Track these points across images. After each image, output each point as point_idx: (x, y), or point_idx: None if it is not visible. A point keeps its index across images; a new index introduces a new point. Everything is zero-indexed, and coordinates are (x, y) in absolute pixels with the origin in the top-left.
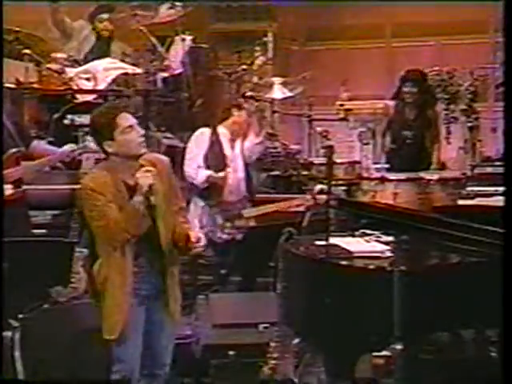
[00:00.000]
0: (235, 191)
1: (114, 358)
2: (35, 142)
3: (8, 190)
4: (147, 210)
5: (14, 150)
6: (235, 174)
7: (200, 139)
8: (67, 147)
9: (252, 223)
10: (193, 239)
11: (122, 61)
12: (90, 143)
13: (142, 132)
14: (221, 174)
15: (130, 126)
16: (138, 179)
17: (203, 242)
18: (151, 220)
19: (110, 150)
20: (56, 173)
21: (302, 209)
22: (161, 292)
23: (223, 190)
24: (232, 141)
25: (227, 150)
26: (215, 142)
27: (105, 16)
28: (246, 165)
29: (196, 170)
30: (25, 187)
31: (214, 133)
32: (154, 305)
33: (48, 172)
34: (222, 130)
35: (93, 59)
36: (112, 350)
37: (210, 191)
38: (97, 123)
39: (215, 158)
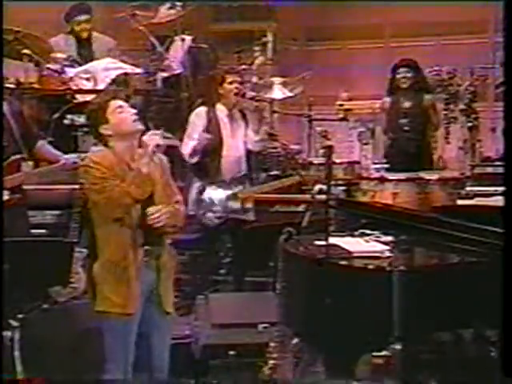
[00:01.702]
0: (233, 169)
1: (106, 357)
2: (40, 143)
3: (6, 195)
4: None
5: (15, 156)
6: (234, 151)
7: (196, 119)
8: (70, 157)
9: (248, 205)
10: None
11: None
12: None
13: (134, 111)
14: (206, 135)
15: (121, 106)
16: (145, 140)
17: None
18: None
19: (107, 132)
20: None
21: (301, 209)
22: (156, 290)
23: (220, 167)
24: (230, 116)
25: (224, 126)
26: (212, 118)
27: (82, 18)
28: (247, 149)
29: (189, 145)
30: (25, 187)
31: (211, 110)
32: (148, 304)
33: None
34: (219, 107)
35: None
36: (104, 348)
37: (207, 169)
38: (92, 108)
39: (213, 134)
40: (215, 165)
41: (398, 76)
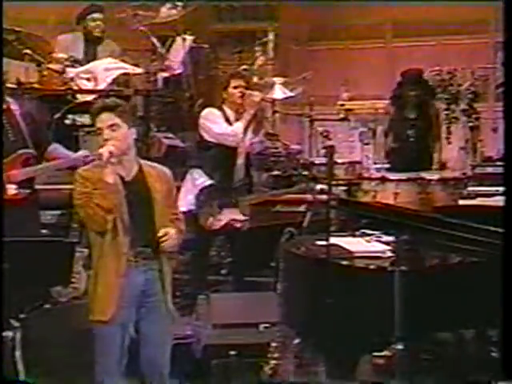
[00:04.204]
0: (236, 174)
1: (95, 364)
2: (53, 146)
3: (11, 190)
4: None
5: (21, 151)
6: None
7: (213, 114)
8: (81, 153)
9: (246, 212)
10: (160, 233)
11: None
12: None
13: (110, 136)
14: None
15: (99, 128)
16: (100, 150)
17: (172, 237)
18: (148, 215)
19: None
20: (57, 173)
21: (302, 209)
22: (156, 291)
23: (232, 171)
24: (237, 120)
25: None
26: (224, 119)
27: (98, 15)
28: (248, 154)
29: (231, 129)
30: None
31: (222, 111)
32: (144, 307)
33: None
34: (226, 109)
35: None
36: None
37: (223, 171)
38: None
39: None
40: (228, 168)
41: (404, 92)
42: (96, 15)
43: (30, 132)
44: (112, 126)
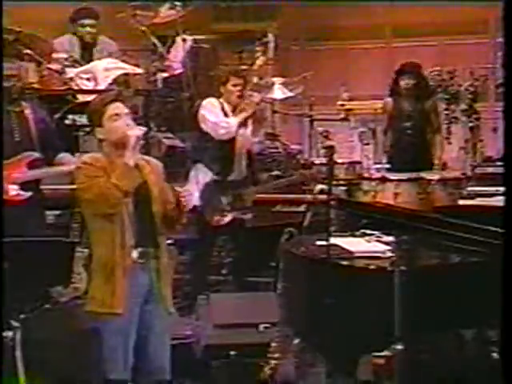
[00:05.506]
0: (237, 168)
1: (103, 357)
2: (62, 155)
3: (13, 191)
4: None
5: (26, 153)
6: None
7: (212, 104)
8: None
9: (250, 204)
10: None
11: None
12: None
13: (130, 123)
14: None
15: (117, 114)
16: (127, 132)
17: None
18: (148, 207)
19: (99, 136)
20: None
21: (302, 209)
22: (155, 291)
23: (233, 162)
24: (234, 112)
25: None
26: (223, 109)
27: (86, 21)
28: (249, 151)
29: (226, 121)
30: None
31: (220, 102)
32: (147, 306)
33: None
34: (225, 104)
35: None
36: (102, 352)
37: (222, 163)
38: (90, 109)
39: None
40: (228, 162)
41: (401, 82)
42: (86, 21)
43: (40, 138)
44: (128, 114)
